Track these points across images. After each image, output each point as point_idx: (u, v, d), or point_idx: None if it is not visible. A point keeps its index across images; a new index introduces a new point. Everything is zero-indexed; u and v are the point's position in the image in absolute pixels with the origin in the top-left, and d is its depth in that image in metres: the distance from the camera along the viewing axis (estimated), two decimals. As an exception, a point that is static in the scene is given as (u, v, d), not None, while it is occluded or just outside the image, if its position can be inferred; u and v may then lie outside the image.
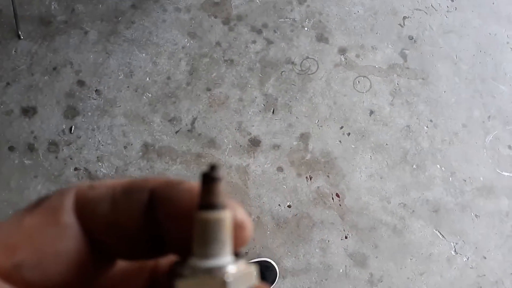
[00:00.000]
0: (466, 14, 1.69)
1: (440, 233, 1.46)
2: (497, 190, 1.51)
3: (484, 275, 1.45)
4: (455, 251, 1.45)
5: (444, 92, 1.58)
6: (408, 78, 1.59)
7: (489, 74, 1.63)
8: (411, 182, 1.49)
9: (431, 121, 1.55)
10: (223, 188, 0.17)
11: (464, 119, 1.56)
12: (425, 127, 1.54)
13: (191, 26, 1.57)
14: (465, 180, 1.51)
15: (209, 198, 0.17)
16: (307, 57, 1.58)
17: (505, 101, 1.60)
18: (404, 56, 1.61)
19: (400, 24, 1.65)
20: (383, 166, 1.50)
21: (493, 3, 1.71)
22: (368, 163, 1.49)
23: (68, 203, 0.19)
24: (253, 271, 0.18)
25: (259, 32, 1.59)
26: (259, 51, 1.57)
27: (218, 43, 1.56)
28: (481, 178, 1.52)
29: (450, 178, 1.51)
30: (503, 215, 1.50)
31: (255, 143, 1.48)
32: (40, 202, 0.19)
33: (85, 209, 0.19)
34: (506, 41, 1.68)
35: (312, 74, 1.56)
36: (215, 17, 1.59)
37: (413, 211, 1.47)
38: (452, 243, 1.46)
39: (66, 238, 0.18)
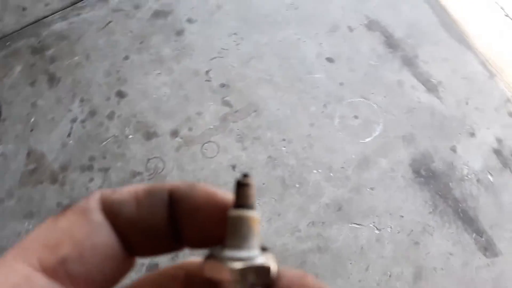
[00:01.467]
0: (252, 39, 1.81)
1: (356, 224, 1.49)
2: (370, 157, 1.60)
3: (412, 230, 1.50)
4: (377, 229, 1.49)
5: (278, 109, 1.66)
6: (242, 119, 1.64)
7: (302, 71, 1.75)
8: (304, 200, 1.51)
9: (284, 140, 1.61)
10: (254, 192, 0.21)
11: (307, 120, 1.65)
12: (283, 148, 1.59)
13: (24, 208, 1.46)
14: (342, 167, 1.58)
15: (242, 200, 0.21)
16: (148, 159, 1.55)
17: (326, 84, 1.73)
18: (228, 104, 1.66)
19: (207, 80, 1.71)
20: (273, 204, 1.50)
21: (266, 17, 1.86)
22: (259, 209, 1.49)
23: (95, 204, 0.21)
24: (275, 264, 0.20)
25: (90, 168, 1.53)
26: (100, 184, 1.50)
27: (59, 205, 1.47)
28: (353, 156, 1.60)
29: (331, 174, 1.56)
30: (390, 172, 1.58)
31: (152, 268, 1.39)
32: (69, 206, 0.21)
33: (111, 209, 0.21)
34: (297, 38, 1.83)
35: (162, 171, 1.53)
36: (41, 183, 1.50)
37: (323, 222, 1.49)
38: (370, 225, 1.50)
39: (99, 234, 0.20)
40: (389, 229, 1.49)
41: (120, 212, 0.21)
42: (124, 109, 1.63)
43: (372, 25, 1.88)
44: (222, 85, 1.70)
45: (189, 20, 1.83)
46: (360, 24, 1.88)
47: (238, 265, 0.20)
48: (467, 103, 1.76)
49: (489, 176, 1.62)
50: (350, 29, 1.87)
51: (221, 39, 1.80)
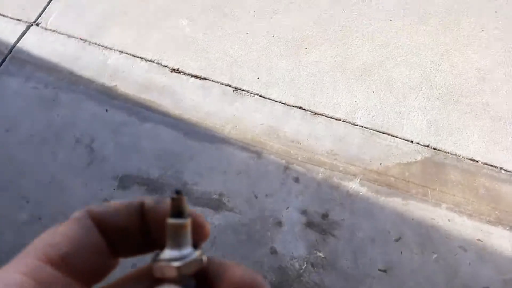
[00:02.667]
0: None
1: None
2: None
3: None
4: None
5: None
6: None
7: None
8: None
9: None
10: (185, 203, 0.27)
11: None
12: None
13: None
14: None
15: (176, 211, 0.27)
16: None
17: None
18: None
19: None
20: None
21: None
22: None
23: (85, 214, 0.28)
24: (201, 258, 0.27)
25: None
26: None
27: None
28: None
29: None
30: None
31: None
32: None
33: (98, 217, 0.28)
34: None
35: None
36: None
37: None
38: None
39: (90, 236, 0.27)
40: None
41: (104, 220, 0.28)
42: None
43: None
44: None
45: None
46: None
47: (177, 263, 0.26)
48: (256, 197, 1.65)
49: (319, 253, 1.50)
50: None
51: None
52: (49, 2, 2.24)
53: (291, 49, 2.13)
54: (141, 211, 0.29)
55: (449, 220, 1.65)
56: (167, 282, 0.26)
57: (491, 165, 1.80)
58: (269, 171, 1.76)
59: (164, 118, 1.93)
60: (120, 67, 2.07)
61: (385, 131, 1.91)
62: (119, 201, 0.29)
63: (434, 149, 1.86)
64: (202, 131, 1.91)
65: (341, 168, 1.80)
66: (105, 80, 2.04)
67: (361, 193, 1.73)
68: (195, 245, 0.27)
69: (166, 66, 2.07)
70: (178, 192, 0.27)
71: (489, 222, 1.66)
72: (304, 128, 1.91)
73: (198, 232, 0.28)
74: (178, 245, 0.26)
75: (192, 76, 2.04)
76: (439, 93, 2.02)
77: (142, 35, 2.15)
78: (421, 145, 1.87)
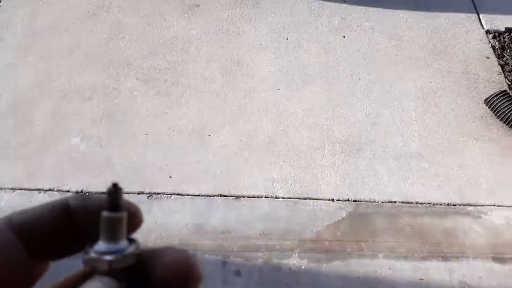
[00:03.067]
0: None
1: None
2: None
3: None
4: None
5: None
6: None
7: None
8: None
9: None
10: (121, 197, 0.26)
11: None
12: None
13: None
14: None
15: (112, 204, 0.25)
16: None
17: None
18: None
19: None
20: None
21: None
22: None
23: (3, 225, 0.26)
24: (134, 252, 0.26)
25: None
26: None
27: None
28: None
29: None
30: None
31: None
32: None
33: (19, 227, 0.26)
34: None
35: None
36: None
37: None
38: None
39: (7, 250, 0.25)
40: None
41: (27, 228, 0.26)
42: None
43: None
44: None
45: None
46: None
47: (109, 257, 0.25)
48: None
49: None
50: None
51: None
52: None
53: (195, 140, 2.12)
54: (67, 211, 0.27)
55: (389, 268, 1.72)
56: (98, 274, 0.25)
57: (407, 202, 1.93)
58: (208, 274, 1.68)
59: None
60: (16, 206, 1.87)
61: (306, 196, 1.96)
62: (42, 204, 0.27)
63: (355, 201, 1.95)
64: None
65: (277, 247, 1.79)
66: None
67: (303, 267, 1.73)
68: (130, 239, 0.26)
69: (68, 191, 1.92)
70: (115, 185, 0.26)
71: (423, 258, 1.75)
72: (230, 215, 1.88)
73: (132, 221, 0.27)
74: (113, 238, 0.25)
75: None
76: (342, 147, 2.15)
77: (33, 164, 1.99)
78: (342, 200, 1.95)
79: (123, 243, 0.26)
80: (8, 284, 0.25)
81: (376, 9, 2.84)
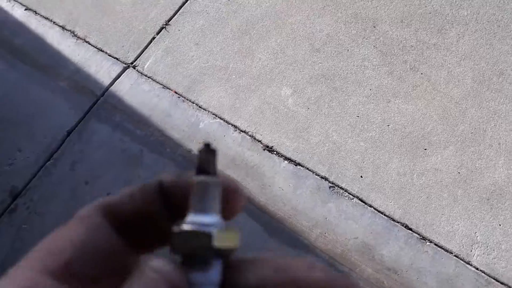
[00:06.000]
0: None
1: None
2: None
3: None
4: None
5: None
6: None
7: None
8: None
9: None
10: (216, 160, 0.22)
11: None
12: None
13: None
14: None
15: (204, 166, 0.22)
16: None
17: None
18: None
19: None
20: None
21: None
22: None
23: (94, 211, 0.23)
24: (237, 235, 0.22)
25: None
26: None
27: None
28: None
29: None
30: None
31: None
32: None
33: (111, 211, 0.24)
34: None
35: None
36: None
37: None
38: None
39: (99, 236, 0.23)
40: None
41: (119, 211, 0.24)
42: None
43: None
44: None
45: None
46: None
47: (178, 228, 0.21)
48: None
49: None
50: None
51: None
52: (149, 43, 2.08)
53: (407, 147, 1.80)
54: (160, 191, 0.24)
55: None
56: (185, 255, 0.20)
57: None
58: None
59: (247, 205, 1.73)
60: (211, 133, 1.88)
61: (506, 282, 1.56)
62: (132, 185, 0.24)
63: None
64: (286, 230, 1.69)
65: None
66: (194, 146, 1.87)
67: None
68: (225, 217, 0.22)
69: (259, 142, 1.85)
70: (207, 145, 0.22)
71: None
72: (406, 255, 1.62)
73: (230, 201, 0.23)
74: (204, 207, 0.21)
75: (286, 159, 1.81)
76: None
77: (240, 98, 1.94)
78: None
79: (216, 216, 0.21)
80: (97, 277, 0.22)
81: None
